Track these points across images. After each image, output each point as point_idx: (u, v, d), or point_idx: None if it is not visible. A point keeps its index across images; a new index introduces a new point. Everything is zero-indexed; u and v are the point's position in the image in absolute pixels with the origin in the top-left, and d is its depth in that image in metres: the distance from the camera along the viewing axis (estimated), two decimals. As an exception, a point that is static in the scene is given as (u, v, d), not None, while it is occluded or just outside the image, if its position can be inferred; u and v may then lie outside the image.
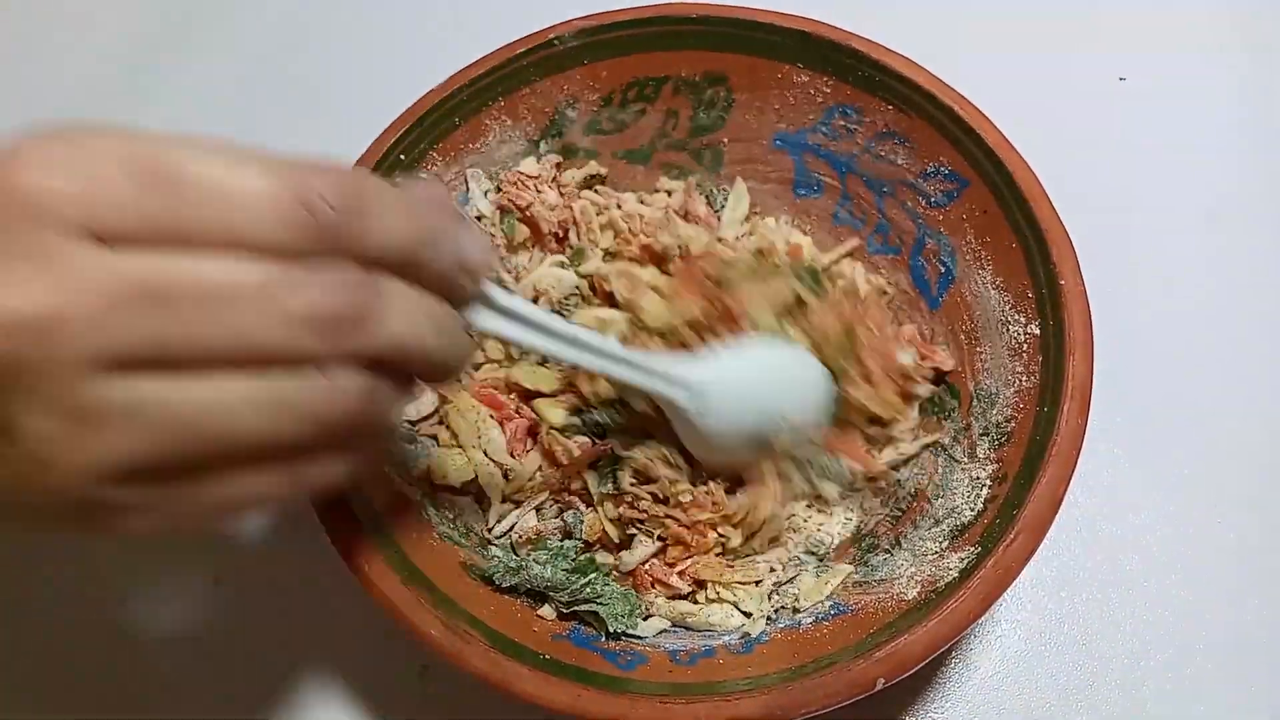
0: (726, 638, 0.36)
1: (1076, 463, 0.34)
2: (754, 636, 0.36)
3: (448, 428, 0.42)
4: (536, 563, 0.38)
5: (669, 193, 0.49)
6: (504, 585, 0.37)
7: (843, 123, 0.45)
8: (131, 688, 0.42)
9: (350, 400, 0.25)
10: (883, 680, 0.31)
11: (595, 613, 0.37)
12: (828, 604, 0.37)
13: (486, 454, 0.41)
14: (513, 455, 0.41)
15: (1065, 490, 0.34)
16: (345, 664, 0.42)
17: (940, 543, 0.36)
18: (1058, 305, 0.37)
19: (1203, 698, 0.40)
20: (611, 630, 0.37)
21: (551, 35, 0.45)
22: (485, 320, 0.30)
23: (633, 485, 0.39)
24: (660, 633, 0.38)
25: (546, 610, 0.38)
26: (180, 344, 0.22)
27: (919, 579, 0.35)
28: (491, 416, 0.41)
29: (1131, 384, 0.47)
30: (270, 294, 0.23)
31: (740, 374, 0.37)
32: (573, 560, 0.39)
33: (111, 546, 0.45)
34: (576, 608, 0.37)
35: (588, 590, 0.37)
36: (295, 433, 0.24)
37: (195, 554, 0.45)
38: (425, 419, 0.43)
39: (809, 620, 0.36)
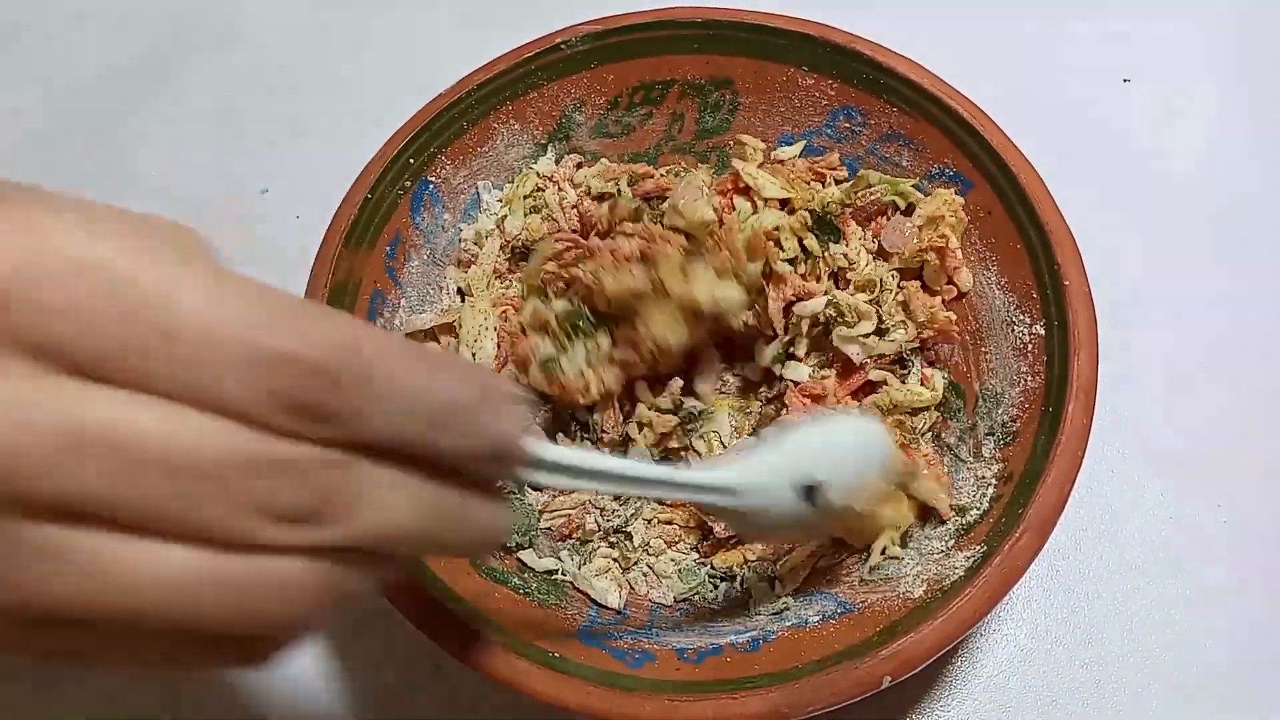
0: (733, 636, 0.36)
1: (1081, 462, 0.34)
2: (761, 635, 0.36)
3: (458, 324, 0.44)
4: None
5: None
6: None
7: (847, 125, 0.46)
8: (141, 682, 0.43)
9: (298, 602, 0.21)
10: (889, 679, 0.31)
11: None
12: (834, 603, 0.37)
13: (475, 358, 0.43)
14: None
15: (1070, 489, 0.34)
16: (358, 662, 0.43)
17: (946, 541, 0.36)
18: (1062, 305, 0.37)
19: (1210, 695, 0.40)
20: (503, 542, 0.39)
21: (559, 39, 0.46)
22: (517, 474, 0.27)
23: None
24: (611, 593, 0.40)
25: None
26: (126, 505, 0.19)
27: (925, 578, 0.35)
28: (494, 329, 0.43)
29: (1136, 383, 0.47)
30: (231, 470, 0.19)
31: (782, 461, 0.34)
32: None
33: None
34: None
35: None
36: (225, 622, 0.20)
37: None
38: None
39: (815, 619, 0.36)
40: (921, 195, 0.43)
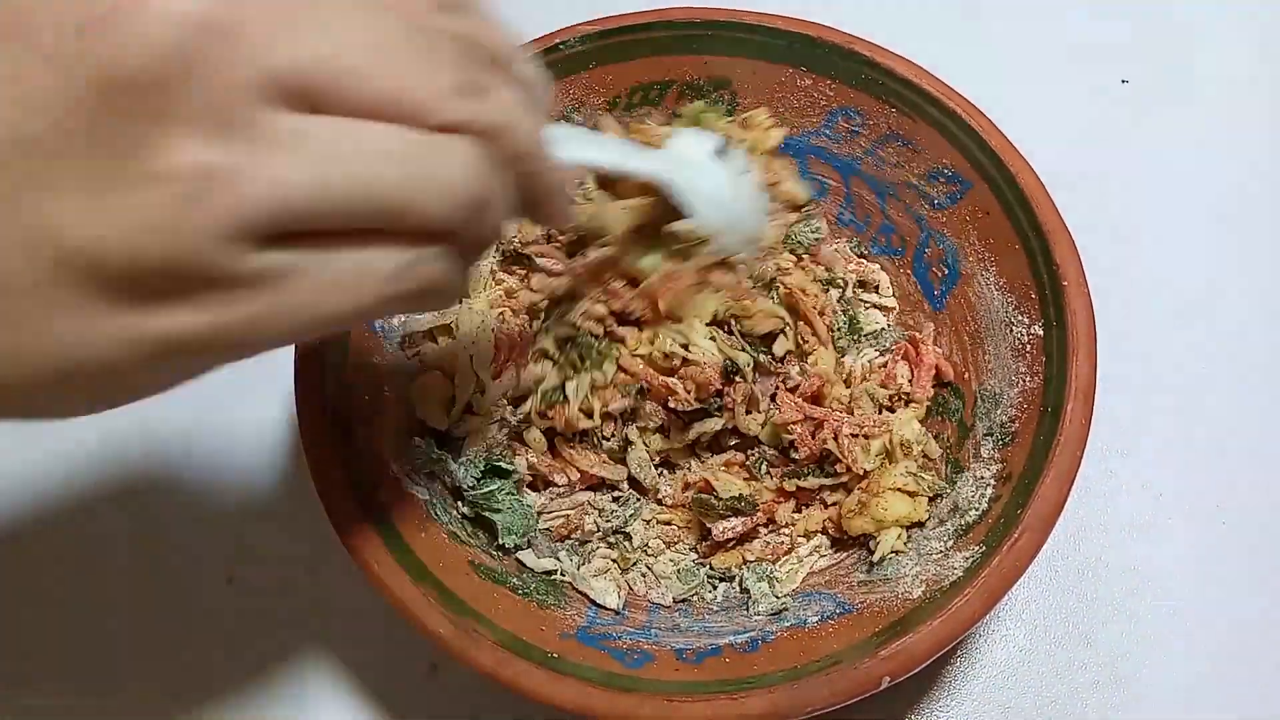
0: (732, 637, 0.36)
1: (1080, 462, 0.34)
2: (760, 635, 0.36)
3: (455, 325, 0.43)
4: (454, 461, 0.40)
5: None
6: (419, 477, 0.39)
7: (846, 126, 0.46)
8: (145, 684, 0.43)
9: (477, 181, 0.24)
10: (888, 679, 0.31)
11: (493, 522, 0.39)
12: (833, 604, 0.37)
13: (472, 360, 0.42)
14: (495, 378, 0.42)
15: (1069, 489, 0.34)
16: (356, 662, 0.43)
17: (945, 542, 0.36)
18: (1061, 306, 0.37)
19: (1211, 694, 0.40)
20: (502, 543, 0.39)
21: (558, 40, 0.46)
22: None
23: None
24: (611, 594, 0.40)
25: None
26: (346, 83, 0.21)
27: (924, 578, 0.35)
28: (491, 330, 0.43)
29: (1134, 384, 0.47)
30: (426, 48, 0.22)
31: (693, 140, 0.39)
32: (482, 466, 0.40)
33: (128, 546, 0.46)
34: (480, 512, 0.40)
35: (490, 499, 0.39)
36: (426, 203, 0.23)
37: (210, 554, 0.45)
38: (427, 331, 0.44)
39: (814, 619, 0.36)
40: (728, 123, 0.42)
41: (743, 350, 0.39)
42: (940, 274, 0.43)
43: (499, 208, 0.25)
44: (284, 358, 0.34)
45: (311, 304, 0.22)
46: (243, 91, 0.19)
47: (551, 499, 0.42)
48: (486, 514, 0.40)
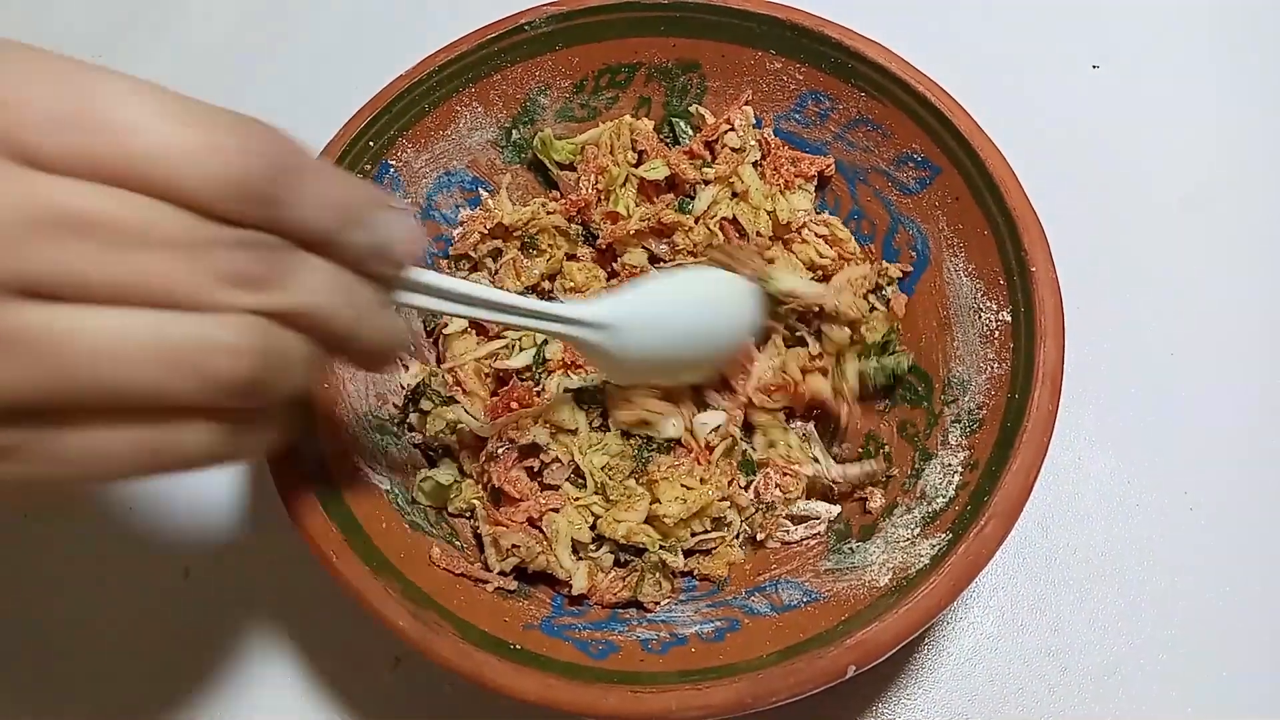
0: (698, 626, 0.36)
1: (1047, 449, 0.34)
2: (726, 625, 0.36)
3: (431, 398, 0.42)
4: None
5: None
6: (380, 467, 0.39)
7: (815, 109, 0.45)
8: (100, 679, 0.42)
9: (244, 358, 0.23)
10: (854, 667, 0.31)
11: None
12: (799, 592, 0.37)
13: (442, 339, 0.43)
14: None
15: (1036, 476, 0.34)
16: (317, 656, 0.42)
17: (912, 529, 0.36)
18: (1029, 292, 0.37)
19: (1175, 682, 0.40)
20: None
21: (523, 20, 0.45)
22: (408, 298, 0.30)
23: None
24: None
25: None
26: (84, 277, 0.21)
27: (891, 566, 0.35)
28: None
29: (1102, 370, 0.47)
30: (184, 242, 0.22)
31: (652, 303, 0.38)
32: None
33: (83, 538, 0.45)
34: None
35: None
36: (183, 387, 0.23)
37: (165, 547, 0.45)
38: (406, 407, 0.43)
39: (780, 608, 0.36)
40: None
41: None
42: (909, 259, 0.43)
43: (293, 374, 0.25)
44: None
45: (46, 474, 0.23)
46: None
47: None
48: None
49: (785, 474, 0.41)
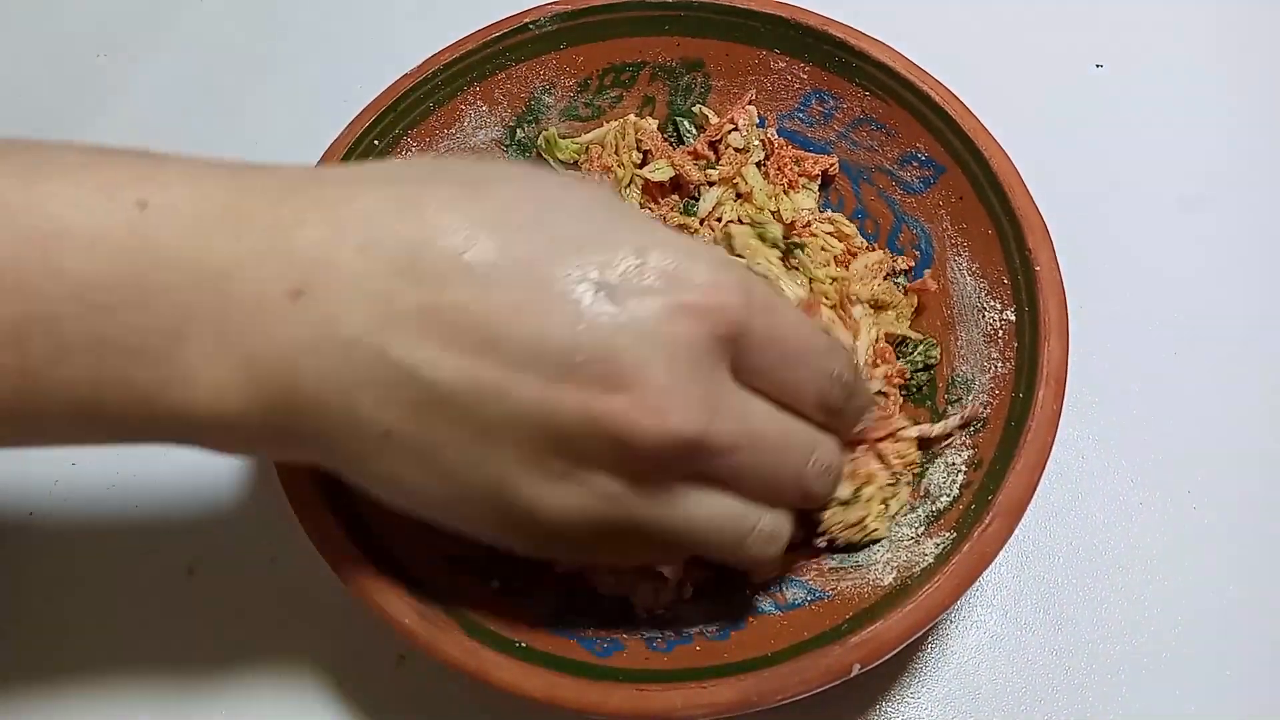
0: (703, 625, 0.36)
1: (1052, 448, 0.34)
2: (730, 624, 0.36)
3: None
4: None
5: None
6: None
7: (819, 109, 0.45)
8: (101, 678, 0.42)
9: (779, 544, 0.32)
10: (859, 666, 0.31)
11: None
12: (804, 590, 0.37)
13: None
14: None
15: (1040, 475, 0.34)
16: (321, 653, 0.42)
17: (916, 528, 0.36)
18: (1033, 291, 0.37)
19: (1180, 681, 0.40)
20: None
21: (527, 19, 0.45)
22: None
23: None
24: None
25: None
26: (743, 477, 0.29)
27: (895, 564, 0.35)
28: None
29: (1107, 369, 0.47)
30: (813, 446, 0.30)
31: None
32: None
33: (85, 536, 0.45)
34: None
35: None
36: (746, 554, 0.31)
37: (168, 544, 0.45)
38: None
39: (785, 607, 0.36)
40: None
41: None
42: (913, 259, 0.43)
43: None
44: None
45: (687, 534, 0.30)
46: (673, 477, 0.28)
47: None
48: None
49: (894, 439, 0.38)
